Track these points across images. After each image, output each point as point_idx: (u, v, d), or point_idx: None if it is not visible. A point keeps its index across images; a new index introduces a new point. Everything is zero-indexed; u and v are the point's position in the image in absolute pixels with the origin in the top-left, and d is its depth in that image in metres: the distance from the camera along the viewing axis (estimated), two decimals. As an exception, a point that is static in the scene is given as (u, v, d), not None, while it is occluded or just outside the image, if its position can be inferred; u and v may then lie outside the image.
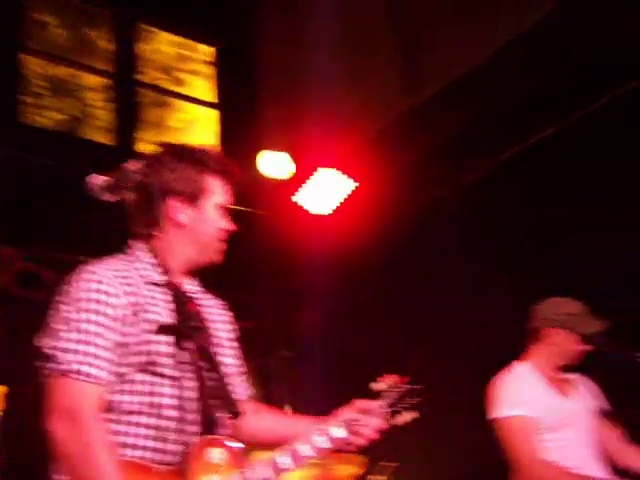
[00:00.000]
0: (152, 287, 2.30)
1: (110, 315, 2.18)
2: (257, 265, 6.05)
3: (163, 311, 2.27)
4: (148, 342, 2.21)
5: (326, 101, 6.50)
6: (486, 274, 5.49)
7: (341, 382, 5.81)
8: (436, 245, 5.88)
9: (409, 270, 6.00)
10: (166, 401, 2.21)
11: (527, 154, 5.45)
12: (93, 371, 2.13)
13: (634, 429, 3.80)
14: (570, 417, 3.62)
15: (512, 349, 3.82)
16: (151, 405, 2.20)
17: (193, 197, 2.36)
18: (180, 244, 2.36)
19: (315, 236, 6.29)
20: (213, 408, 2.22)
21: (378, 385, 2.54)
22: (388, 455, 5.30)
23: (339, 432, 2.40)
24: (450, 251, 5.81)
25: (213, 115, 7.25)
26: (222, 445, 2.22)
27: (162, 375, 2.21)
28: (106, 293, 2.20)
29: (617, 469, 3.66)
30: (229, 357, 2.45)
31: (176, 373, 2.22)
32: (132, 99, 6.76)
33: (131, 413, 2.19)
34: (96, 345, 2.14)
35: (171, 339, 2.22)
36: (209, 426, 2.21)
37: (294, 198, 6.19)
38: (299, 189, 6.19)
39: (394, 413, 2.52)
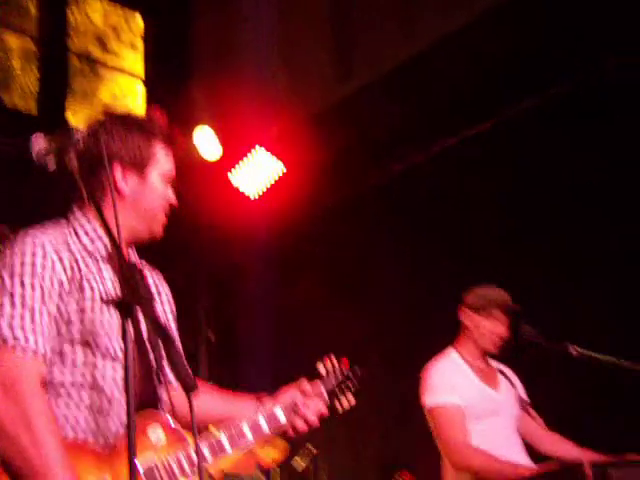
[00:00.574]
0: (94, 257, 2.19)
1: (46, 284, 2.06)
2: (184, 243, 5.94)
3: (107, 282, 2.17)
4: (89, 315, 2.10)
5: (259, 82, 6.43)
6: (416, 262, 5.56)
7: (273, 363, 5.82)
8: (365, 233, 5.91)
9: (339, 258, 6.03)
10: (107, 379, 2.12)
11: (458, 147, 5.51)
12: (31, 341, 2.01)
13: (558, 417, 3.91)
14: (495, 406, 3.70)
15: (445, 335, 3.87)
16: (92, 383, 2.10)
17: (140, 165, 2.27)
18: (124, 213, 2.23)
19: (245, 216, 6.24)
20: (156, 385, 2.16)
21: (319, 367, 2.52)
22: (310, 439, 5.31)
23: (280, 417, 2.38)
24: (378, 238, 5.86)
25: (143, 89, 7.08)
26: (162, 423, 2.17)
27: (104, 351, 2.11)
28: (43, 259, 2.07)
29: (538, 456, 3.76)
30: (173, 331, 2.39)
31: (118, 349, 2.13)
32: (59, 67, 6.52)
33: (70, 391, 2.09)
34: (32, 315, 2.02)
35: (114, 312, 2.11)
36: (150, 404, 2.14)
37: (230, 177, 6.12)
38: (231, 168, 6.12)
39: (333, 398, 2.50)
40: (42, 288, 2.06)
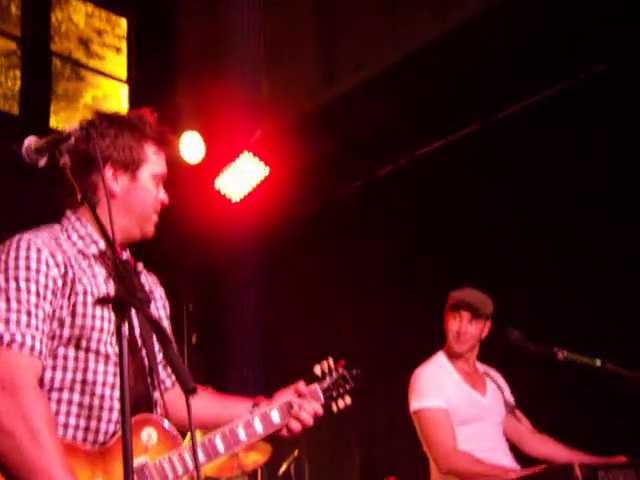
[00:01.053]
0: (88, 258, 2.19)
1: (41, 284, 2.05)
2: (168, 246, 5.91)
3: (100, 283, 2.16)
4: (82, 315, 2.09)
5: (244, 85, 6.41)
6: (402, 264, 5.56)
7: (258, 365, 5.79)
8: (351, 236, 5.92)
9: (324, 261, 6.01)
10: (99, 378, 2.10)
11: (445, 149, 5.52)
12: (28, 339, 2.00)
13: (547, 418, 3.91)
14: (480, 412, 3.70)
15: (434, 340, 3.86)
16: (83, 382, 2.09)
17: (130, 165, 2.26)
18: (115, 213, 2.20)
19: (229, 219, 6.22)
20: (149, 385, 2.14)
21: (315, 369, 2.51)
22: (295, 443, 5.29)
23: (274, 417, 2.36)
24: (363, 241, 5.86)
25: (127, 93, 7.05)
26: (156, 425, 2.15)
27: (96, 351, 2.10)
28: (37, 262, 2.07)
29: (524, 457, 3.76)
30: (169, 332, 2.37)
31: (110, 349, 2.11)
32: (42, 69, 6.48)
33: (62, 390, 2.07)
34: (28, 314, 2.02)
35: (107, 313, 2.12)
36: (144, 405, 2.12)
37: (215, 180, 6.10)
38: (216, 172, 6.09)
39: (330, 399, 2.50)
40: (37, 289, 2.05)
